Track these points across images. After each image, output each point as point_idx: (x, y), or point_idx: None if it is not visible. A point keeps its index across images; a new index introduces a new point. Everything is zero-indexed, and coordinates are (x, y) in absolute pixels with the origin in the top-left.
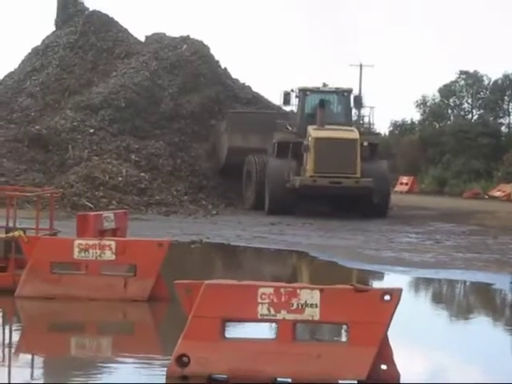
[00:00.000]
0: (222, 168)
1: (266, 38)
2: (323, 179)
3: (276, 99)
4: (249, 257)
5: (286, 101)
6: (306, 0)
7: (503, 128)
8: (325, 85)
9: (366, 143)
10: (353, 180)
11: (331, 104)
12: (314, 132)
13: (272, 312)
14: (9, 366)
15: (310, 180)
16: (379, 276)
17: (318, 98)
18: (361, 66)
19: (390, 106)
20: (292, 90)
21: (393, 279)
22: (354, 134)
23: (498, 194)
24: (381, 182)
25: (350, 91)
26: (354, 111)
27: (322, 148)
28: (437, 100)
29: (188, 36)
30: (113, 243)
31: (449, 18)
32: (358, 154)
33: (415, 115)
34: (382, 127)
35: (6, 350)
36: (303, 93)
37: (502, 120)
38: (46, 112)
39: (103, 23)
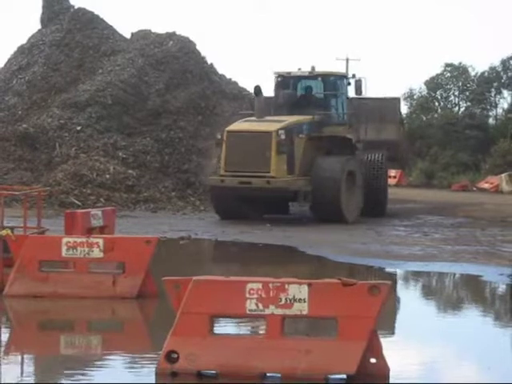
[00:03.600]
0: None
1: (251, 33)
2: (232, 179)
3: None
4: (237, 252)
5: (257, 93)
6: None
7: (490, 120)
8: (299, 69)
9: (282, 136)
10: (264, 180)
11: (308, 90)
12: (232, 124)
13: (260, 307)
14: None
15: (219, 180)
16: (367, 270)
17: (293, 84)
18: (347, 59)
19: None
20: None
21: (381, 273)
22: (273, 125)
23: (485, 186)
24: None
25: (337, 76)
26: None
27: (233, 143)
28: (423, 93)
29: (174, 32)
30: (101, 241)
31: (434, 10)
32: (272, 149)
33: (402, 108)
34: None
35: None
36: (276, 78)
37: (489, 112)
38: (32, 110)
39: (89, 21)
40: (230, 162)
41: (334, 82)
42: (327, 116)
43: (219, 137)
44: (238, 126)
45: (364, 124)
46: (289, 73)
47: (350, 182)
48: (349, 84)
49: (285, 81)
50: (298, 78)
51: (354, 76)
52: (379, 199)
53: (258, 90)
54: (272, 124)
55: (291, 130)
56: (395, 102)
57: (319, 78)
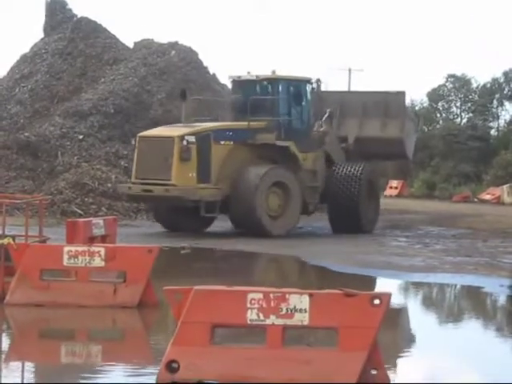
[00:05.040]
0: None
1: (253, 44)
2: (137, 186)
3: None
4: (238, 261)
5: (183, 97)
6: (293, 5)
7: (492, 131)
8: (249, 72)
9: (185, 142)
10: (163, 188)
11: (255, 95)
12: (148, 130)
13: (261, 317)
14: None
15: (126, 187)
16: (369, 280)
17: (243, 88)
18: (350, 70)
19: None
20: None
21: (382, 283)
22: (180, 131)
23: (487, 197)
24: (246, 192)
25: (289, 80)
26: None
27: (142, 149)
28: (425, 104)
29: (176, 42)
30: (102, 250)
31: (436, 21)
32: (174, 155)
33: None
34: None
35: None
36: (231, 83)
37: (491, 124)
38: (35, 119)
39: (92, 30)
40: (139, 168)
41: (286, 86)
42: (274, 122)
43: (133, 142)
44: (151, 131)
45: (357, 120)
46: (239, 77)
47: (280, 194)
48: (313, 89)
49: (236, 85)
50: (247, 83)
51: (318, 81)
52: (352, 215)
53: (183, 94)
54: (180, 129)
55: (207, 136)
56: (400, 96)
57: (265, 82)
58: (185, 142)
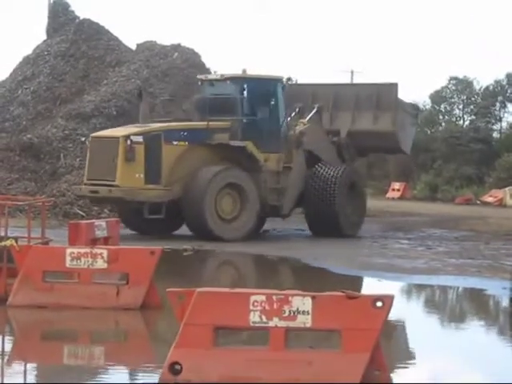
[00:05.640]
0: None
1: (255, 45)
2: (86, 187)
3: None
4: (241, 263)
5: (139, 97)
6: (295, 8)
7: (495, 134)
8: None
9: (129, 142)
10: (107, 189)
11: (220, 94)
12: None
13: (264, 319)
14: (1, 376)
15: (78, 188)
16: (371, 282)
17: (209, 88)
18: (352, 72)
19: None
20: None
21: (385, 286)
22: (127, 131)
23: (490, 199)
24: (195, 195)
25: (256, 79)
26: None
27: (93, 149)
28: (428, 106)
29: (179, 44)
30: (105, 251)
31: (438, 23)
32: (119, 155)
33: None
34: None
35: None
36: (199, 83)
37: (493, 126)
38: (37, 121)
39: (94, 32)
40: (89, 169)
41: (252, 85)
42: (237, 122)
43: (86, 143)
44: (103, 131)
45: (350, 113)
46: (206, 77)
47: (236, 196)
48: (283, 88)
49: (203, 85)
50: (211, 82)
51: (289, 79)
52: (329, 218)
53: (139, 94)
54: (128, 130)
55: (157, 137)
56: (392, 88)
57: (228, 82)
58: (128, 142)
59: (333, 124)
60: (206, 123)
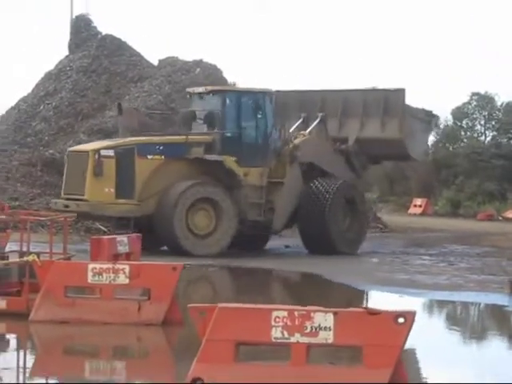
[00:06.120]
0: None
1: (278, 60)
2: (61, 202)
3: None
4: (263, 279)
5: (119, 111)
6: (319, 23)
7: None
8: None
9: (96, 156)
10: (75, 203)
11: (204, 108)
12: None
13: (286, 335)
14: None
15: (54, 203)
16: (393, 298)
17: (196, 101)
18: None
19: None
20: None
21: (406, 302)
22: (97, 145)
23: (511, 215)
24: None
25: (239, 92)
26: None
27: (68, 163)
28: (449, 122)
29: (201, 60)
30: (127, 267)
31: (460, 39)
32: (88, 170)
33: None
34: None
35: (21, 374)
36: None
37: None
38: (59, 136)
39: (116, 47)
40: (65, 183)
41: (235, 98)
42: (218, 135)
43: (65, 157)
44: (79, 146)
45: (357, 120)
46: (193, 90)
47: (211, 211)
48: (271, 101)
49: (191, 98)
50: (198, 96)
51: (273, 92)
52: (322, 235)
53: (119, 108)
54: (100, 144)
55: (130, 151)
56: (399, 93)
57: (211, 95)
58: (96, 156)
59: (341, 131)
60: (184, 137)
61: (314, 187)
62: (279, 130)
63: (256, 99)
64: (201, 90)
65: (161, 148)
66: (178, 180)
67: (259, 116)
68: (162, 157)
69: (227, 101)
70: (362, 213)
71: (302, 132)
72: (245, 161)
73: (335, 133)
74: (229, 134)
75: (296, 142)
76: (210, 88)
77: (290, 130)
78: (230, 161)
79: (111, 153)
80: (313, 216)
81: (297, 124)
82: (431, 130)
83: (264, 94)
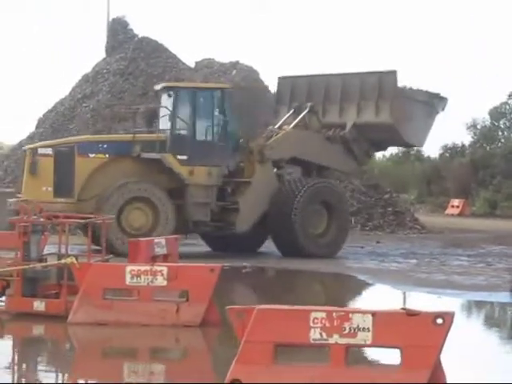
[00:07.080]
0: None
1: (309, 60)
2: (13, 201)
3: None
4: (299, 280)
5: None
6: (321, 22)
7: None
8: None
9: (33, 154)
10: (16, 202)
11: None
12: None
13: (324, 336)
14: None
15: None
16: (431, 299)
17: (159, 98)
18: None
19: (440, 130)
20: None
21: (445, 302)
22: (38, 143)
23: None
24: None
25: (188, 89)
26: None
27: (22, 161)
28: (487, 122)
29: (237, 61)
30: (164, 269)
31: (499, 39)
32: (25, 168)
33: (466, 138)
34: (432, 150)
35: (60, 376)
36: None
37: None
38: None
39: (153, 49)
40: (19, 181)
41: (186, 95)
42: (167, 133)
43: None
44: (35, 144)
45: (354, 105)
46: (155, 88)
47: (147, 210)
48: (229, 97)
49: (156, 96)
50: (155, 93)
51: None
52: (290, 238)
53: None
54: (41, 142)
55: (69, 149)
56: (390, 76)
57: (165, 92)
58: (33, 155)
59: (341, 117)
60: (131, 135)
61: (283, 188)
62: (254, 126)
63: (211, 96)
64: (157, 87)
65: (104, 146)
66: (121, 179)
67: (215, 113)
68: (106, 155)
69: (179, 97)
70: (341, 213)
71: (284, 127)
72: (195, 159)
73: (336, 119)
74: (179, 132)
75: (271, 140)
76: (164, 84)
77: (277, 125)
78: (170, 159)
79: (49, 151)
80: (279, 219)
81: (286, 117)
82: (437, 113)
83: (221, 90)
